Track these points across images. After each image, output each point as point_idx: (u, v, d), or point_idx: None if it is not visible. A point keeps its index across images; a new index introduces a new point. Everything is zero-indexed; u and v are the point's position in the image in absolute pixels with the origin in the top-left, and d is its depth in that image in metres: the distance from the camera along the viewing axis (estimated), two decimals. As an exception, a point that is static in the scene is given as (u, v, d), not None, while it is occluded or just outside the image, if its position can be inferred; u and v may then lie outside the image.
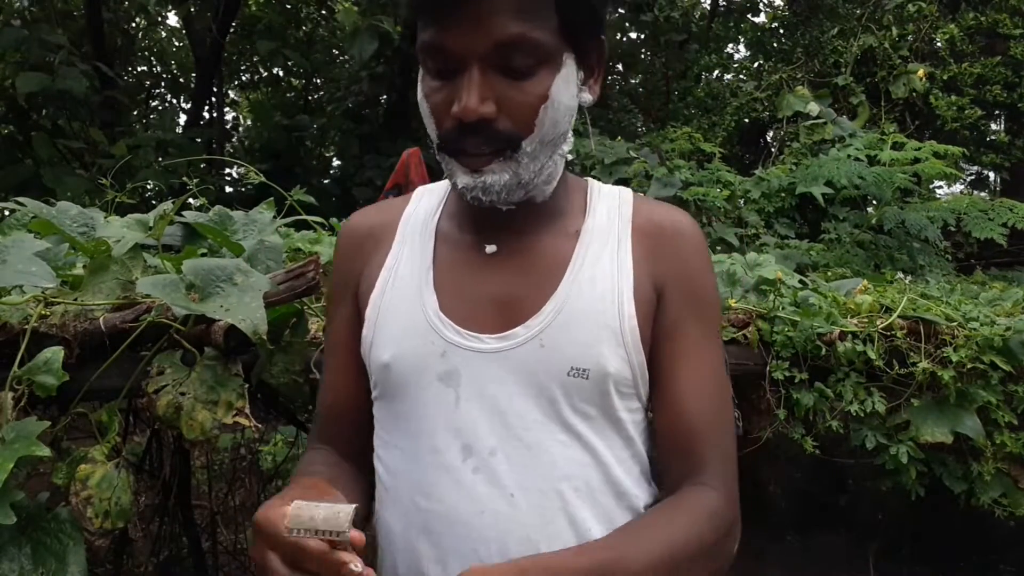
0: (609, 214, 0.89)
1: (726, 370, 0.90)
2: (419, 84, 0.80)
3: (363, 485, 0.90)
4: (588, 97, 0.84)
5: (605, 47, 0.84)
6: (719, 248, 3.69)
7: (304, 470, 0.88)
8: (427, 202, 0.94)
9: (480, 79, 0.73)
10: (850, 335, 1.89)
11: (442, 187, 0.96)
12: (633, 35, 8.98)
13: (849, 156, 4.14)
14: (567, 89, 0.78)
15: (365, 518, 0.86)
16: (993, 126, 6.27)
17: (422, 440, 0.82)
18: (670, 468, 0.85)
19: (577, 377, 0.80)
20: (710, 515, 0.79)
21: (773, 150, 5.75)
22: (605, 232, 0.87)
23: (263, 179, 2.23)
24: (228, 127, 9.91)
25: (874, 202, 4.44)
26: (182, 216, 1.86)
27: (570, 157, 0.86)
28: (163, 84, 10.16)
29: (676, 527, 0.77)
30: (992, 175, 7.39)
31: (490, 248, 0.86)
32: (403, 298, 0.86)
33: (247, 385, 1.35)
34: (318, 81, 9.91)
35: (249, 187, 7.25)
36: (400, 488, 0.84)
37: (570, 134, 0.83)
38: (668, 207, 0.92)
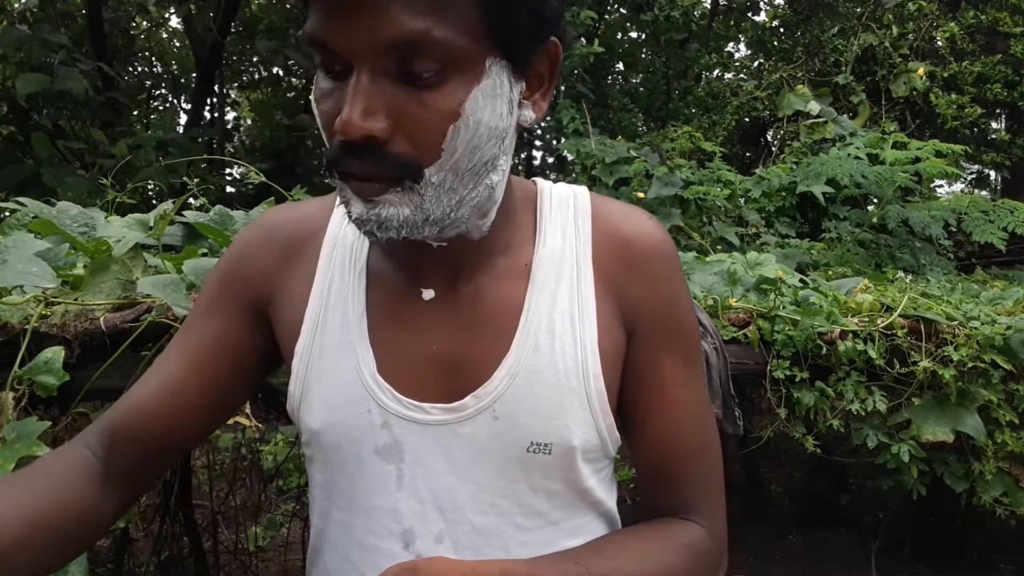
0: (564, 234, 0.74)
1: (708, 396, 0.80)
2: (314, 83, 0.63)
3: (72, 515, 0.65)
4: (530, 115, 0.66)
5: (560, 52, 0.65)
6: (719, 247, 3.69)
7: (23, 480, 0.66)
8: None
9: (368, 87, 0.56)
10: (851, 334, 1.89)
11: None
12: (633, 35, 8.98)
13: (850, 155, 4.14)
14: (492, 105, 0.60)
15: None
16: (994, 124, 6.26)
17: (359, 519, 0.73)
18: (652, 504, 0.78)
19: (538, 453, 0.69)
20: (689, 549, 0.73)
21: (774, 149, 5.75)
22: (560, 261, 0.72)
23: (264, 179, 2.23)
24: (229, 127, 9.90)
25: (875, 201, 4.43)
26: (183, 216, 1.86)
27: (497, 179, 0.66)
28: (164, 84, 10.17)
29: (648, 551, 0.71)
30: (993, 174, 7.39)
31: (427, 294, 0.72)
32: (335, 353, 0.72)
33: (248, 385, 1.35)
34: (319, 81, 9.88)
35: (250, 187, 7.26)
36: (336, 562, 0.75)
37: (502, 160, 0.65)
38: (634, 215, 0.76)
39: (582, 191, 0.77)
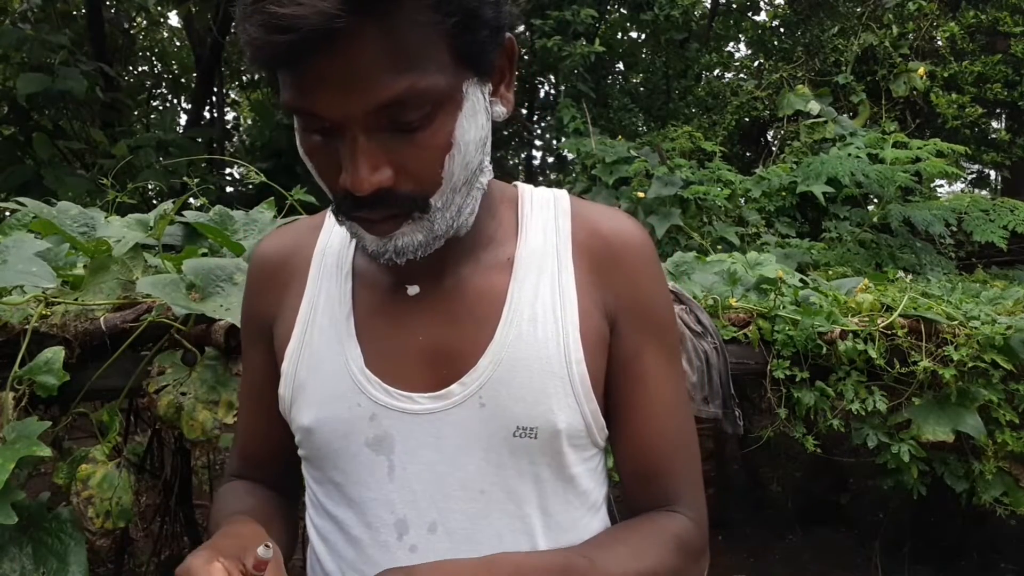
0: (545, 231, 0.77)
1: (687, 388, 0.83)
2: (296, 134, 0.66)
3: (293, 521, 0.84)
4: (501, 110, 0.69)
5: (515, 43, 0.70)
6: (719, 247, 3.69)
7: (230, 507, 0.80)
8: (341, 230, 0.77)
9: (367, 145, 0.60)
10: (851, 334, 1.89)
11: None
12: (633, 34, 8.98)
13: (850, 154, 4.14)
14: (475, 122, 0.65)
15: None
16: (994, 124, 6.26)
17: (354, 513, 0.74)
18: (635, 496, 0.79)
19: (524, 437, 0.71)
20: (678, 540, 0.75)
21: (774, 149, 5.75)
22: (542, 256, 0.75)
23: (264, 179, 2.23)
24: (229, 127, 9.91)
25: (875, 201, 4.43)
26: (182, 216, 1.86)
27: (487, 180, 0.73)
28: (164, 84, 10.17)
29: (646, 547, 0.73)
30: (993, 173, 7.39)
31: (412, 289, 0.75)
32: (323, 352, 0.75)
33: (248, 385, 1.35)
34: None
35: (250, 186, 7.26)
36: (334, 562, 0.77)
37: (486, 161, 0.70)
38: (612, 213, 0.80)
39: (562, 194, 0.81)
